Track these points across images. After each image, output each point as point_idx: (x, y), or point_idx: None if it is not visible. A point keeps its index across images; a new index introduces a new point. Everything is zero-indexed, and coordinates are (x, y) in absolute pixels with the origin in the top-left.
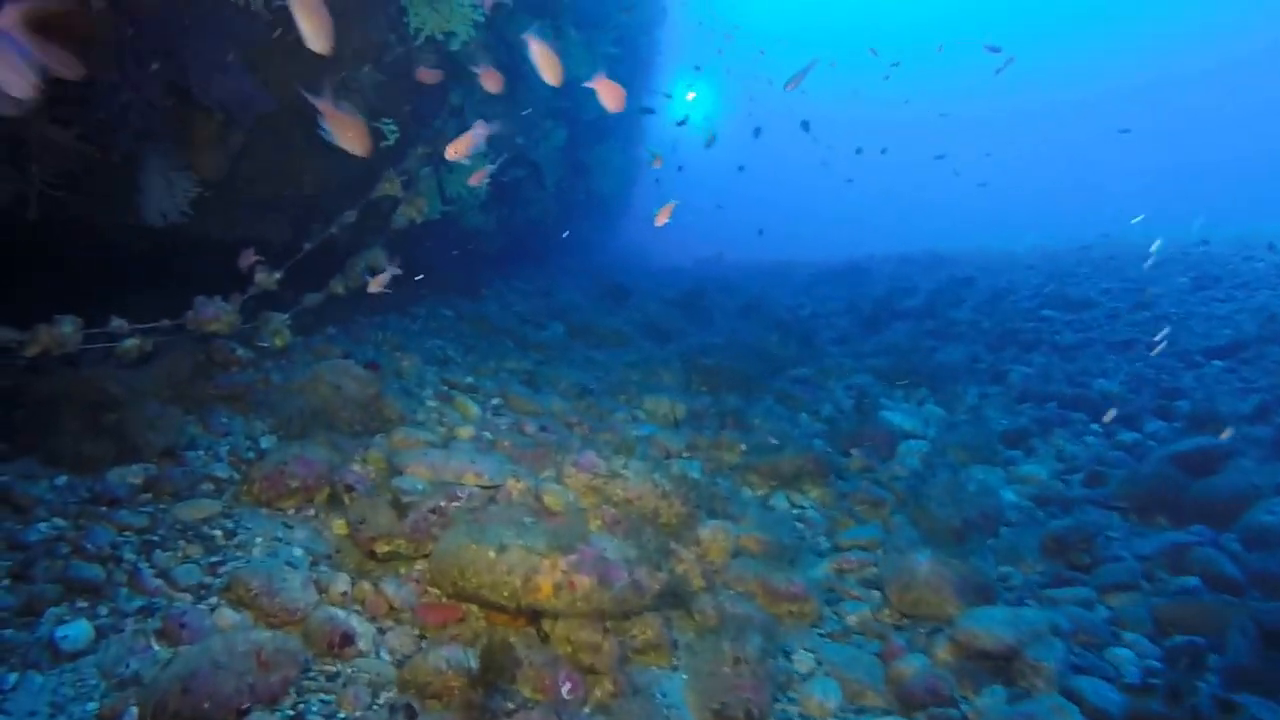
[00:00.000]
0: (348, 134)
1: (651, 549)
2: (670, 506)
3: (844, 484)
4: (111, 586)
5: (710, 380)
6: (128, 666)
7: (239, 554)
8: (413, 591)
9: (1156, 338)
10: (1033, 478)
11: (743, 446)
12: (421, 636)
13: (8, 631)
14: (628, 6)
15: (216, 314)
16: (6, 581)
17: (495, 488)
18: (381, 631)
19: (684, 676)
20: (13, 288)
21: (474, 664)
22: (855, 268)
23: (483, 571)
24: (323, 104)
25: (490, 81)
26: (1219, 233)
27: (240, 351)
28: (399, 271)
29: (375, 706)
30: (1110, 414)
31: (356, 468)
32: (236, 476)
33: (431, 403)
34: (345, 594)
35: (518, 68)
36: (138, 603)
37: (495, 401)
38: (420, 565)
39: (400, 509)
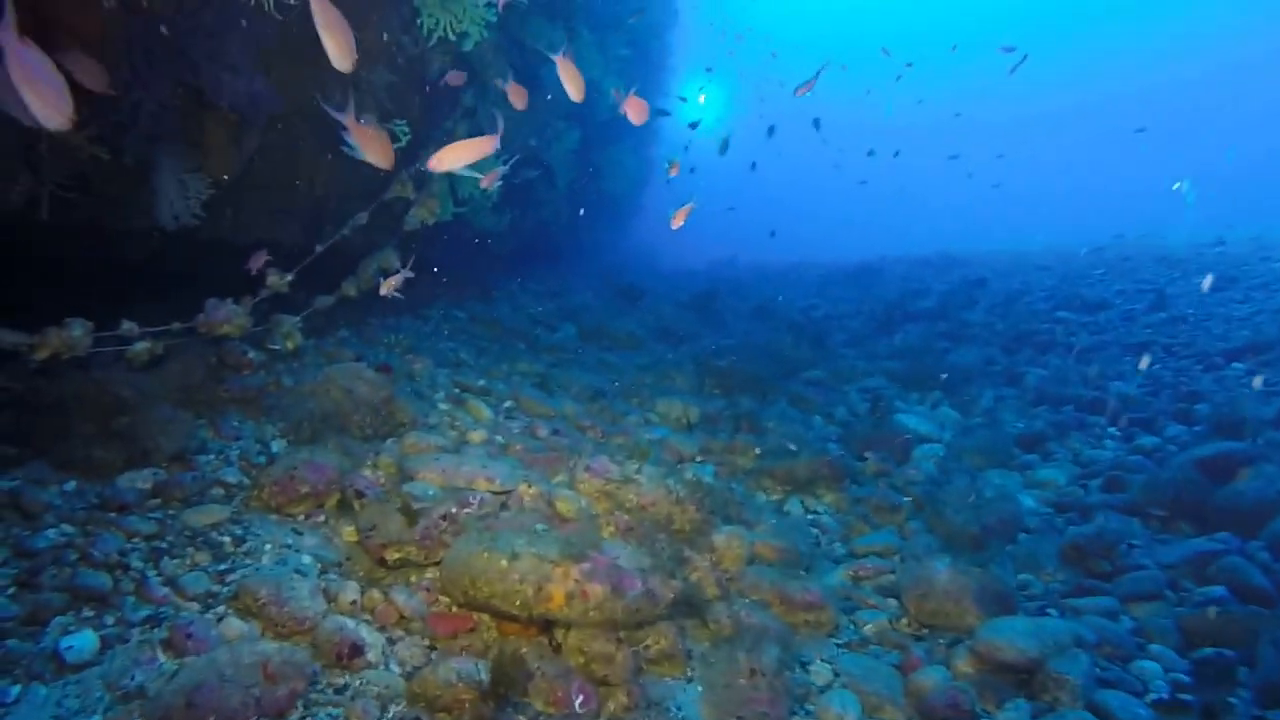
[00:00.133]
0: (372, 147)
1: (665, 557)
2: (684, 512)
3: (859, 489)
4: (118, 595)
5: (723, 383)
6: (133, 678)
7: (248, 561)
8: (423, 600)
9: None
10: (1050, 483)
11: (757, 450)
12: (431, 647)
13: (12, 641)
14: (639, 9)
15: (228, 316)
16: (12, 589)
17: (507, 493)
18: (391, 642)
19: (699, 688)
20: (24, 291)
21: (485, 676)
22: (867, 269)
23: (494, 580)
24: (346, 119)
25: (516, 97)
26: (1234, 234)
27: (252, 354)
28: (411, 275)
29: None
30: (1123, 419)
31: (367, 473)
32: (247, 481)
33: (443, 406)
34: (355, 603)
35: (531, 69)
36: (144, 612)
37: (507, 404)
38: (431, 573)
39: (411, 515)
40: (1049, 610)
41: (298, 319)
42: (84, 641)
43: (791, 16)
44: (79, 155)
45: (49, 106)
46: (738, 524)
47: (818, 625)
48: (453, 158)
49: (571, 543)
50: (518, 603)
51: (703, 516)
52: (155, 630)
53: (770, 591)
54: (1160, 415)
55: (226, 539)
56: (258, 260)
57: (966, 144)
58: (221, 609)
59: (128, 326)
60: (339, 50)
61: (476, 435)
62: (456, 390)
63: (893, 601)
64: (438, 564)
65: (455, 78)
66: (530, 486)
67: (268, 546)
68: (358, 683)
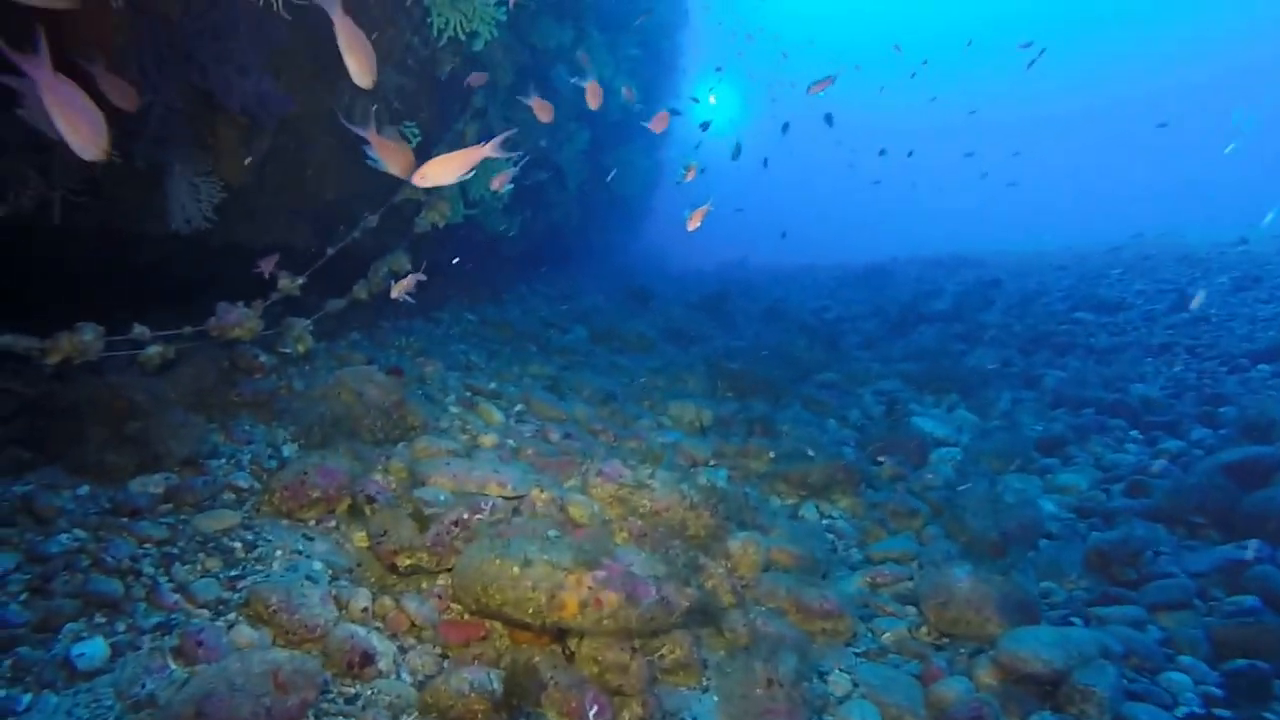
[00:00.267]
0: (394, 158)
1: (680, 564)
2: (698, 518)
3: (875, 493)
4: (129, 601)
5: (736, 385)
6: (143, 687)
7: (258, 568)
8: (434, 608)
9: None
10: (1072, 487)
11: (771, 454)
12: (443, 655)
13: (23, 649)
14: (647, 9)
15: (239, 320)
16: (25, 595)
17: (519, 498)
18: (402, 650)
19: (715, 698)
20: (36, 296)
21: (497, 686)
22: (879, 270)
23: (506, 588)
24: (368, 132)
25: (541, 111)
26: (1255, 232)
27: (263, 358)
28: (424, 277)
29: None
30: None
31: (378, 477)
32: (258, 486)
33: (454, 409)
34: (366, 610)
35: (541, 69)
36: (155, 619)
37: (519, 408)
38: (442, 580)
39: (422, 521)
40: (1073, 619)
41: (309, 322)
42: (95, 649)
43: (802, 16)
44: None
45: (85, 139)
46: (753, 529)
47: (835, 634)
48: (437, 172)
49: (585, 549)
50: (530, 611)
51: (717, 522)
52: (166, 638)
53: (787, 599)
54: (1184, 418)
55: (237, 544)
56: (269, 263)
57: (981, 143)
58: (232, 616)
59: (139, 330)
60: (361, 69)
61: (488, 439)
62: (468, 393)
63: (911, 609)
64: (449, 570)
65: (477, 78)
66: (542, 491)
67: (278, 552)
68: (369, 692)
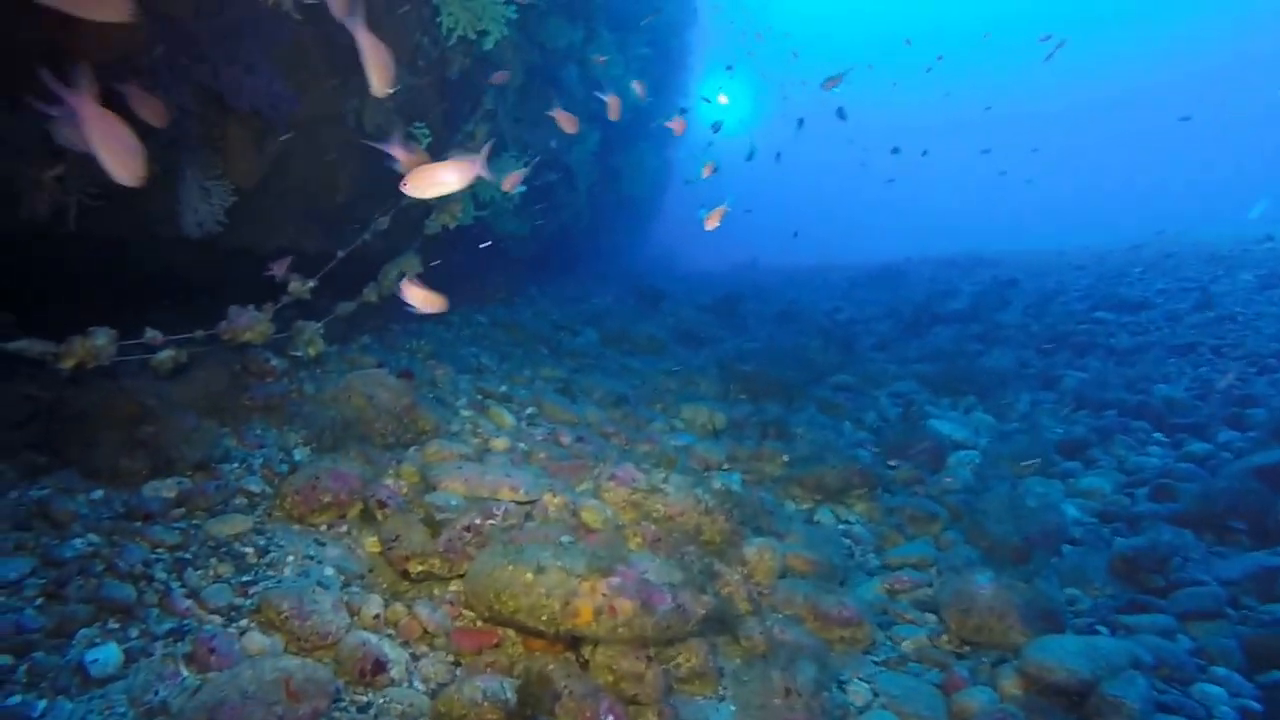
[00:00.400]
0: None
1: (695, 570)
2: (713, 523)
3: (892, 497)
4: (142, 607)
5: (749, 388)
6: (156, 694)
7: (270, 573)
8: (447, 614)
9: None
10: (1095, 491)
11: (785, 458)
12: (456, 663)
13: (38, 654)
14: (656, 8)
15: (250, 323)
16: (40, 600)
17: (531, 503)
18: (415, 658)
19: (732, 708)
20: (50, 300)
21: (511, 695)
22: (893, 271)
23: (519, 595)
24: (394, 149)
25: (566, 122)
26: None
27: (275, 361)
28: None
29: None
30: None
31: (389, 482)
32: (269, 490)
33: (466, 412)
34: (378, 617)
35: (550, 69)
36: (168, 625)
37: (530, 411)
38: (455, 586)
39: (434, 526)
40: (1098, 628)
41: (319, 325)
42: (108, 655)
43: (812, 13)
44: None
45: (123, 167)
46: (768, 535)
47: (854, 642)
48: (427, 182)
49: (599, 555)
50: (544, 618)
51: (732, 527)
52: (179, 644)
53: (804, 606)
54: (1211, 420)
55: (249, 550)
56: (281, 266)
57: (997, 139)
58: (244, 622)
59: (152, 334)
60: (380, 79)
61: (499, 443)
62: (479, 396)
63: (931, 617)
64: (461, 576)
65: (500, 77)
66: (555, 496)
67: (290, 558)
68: (381, 700)
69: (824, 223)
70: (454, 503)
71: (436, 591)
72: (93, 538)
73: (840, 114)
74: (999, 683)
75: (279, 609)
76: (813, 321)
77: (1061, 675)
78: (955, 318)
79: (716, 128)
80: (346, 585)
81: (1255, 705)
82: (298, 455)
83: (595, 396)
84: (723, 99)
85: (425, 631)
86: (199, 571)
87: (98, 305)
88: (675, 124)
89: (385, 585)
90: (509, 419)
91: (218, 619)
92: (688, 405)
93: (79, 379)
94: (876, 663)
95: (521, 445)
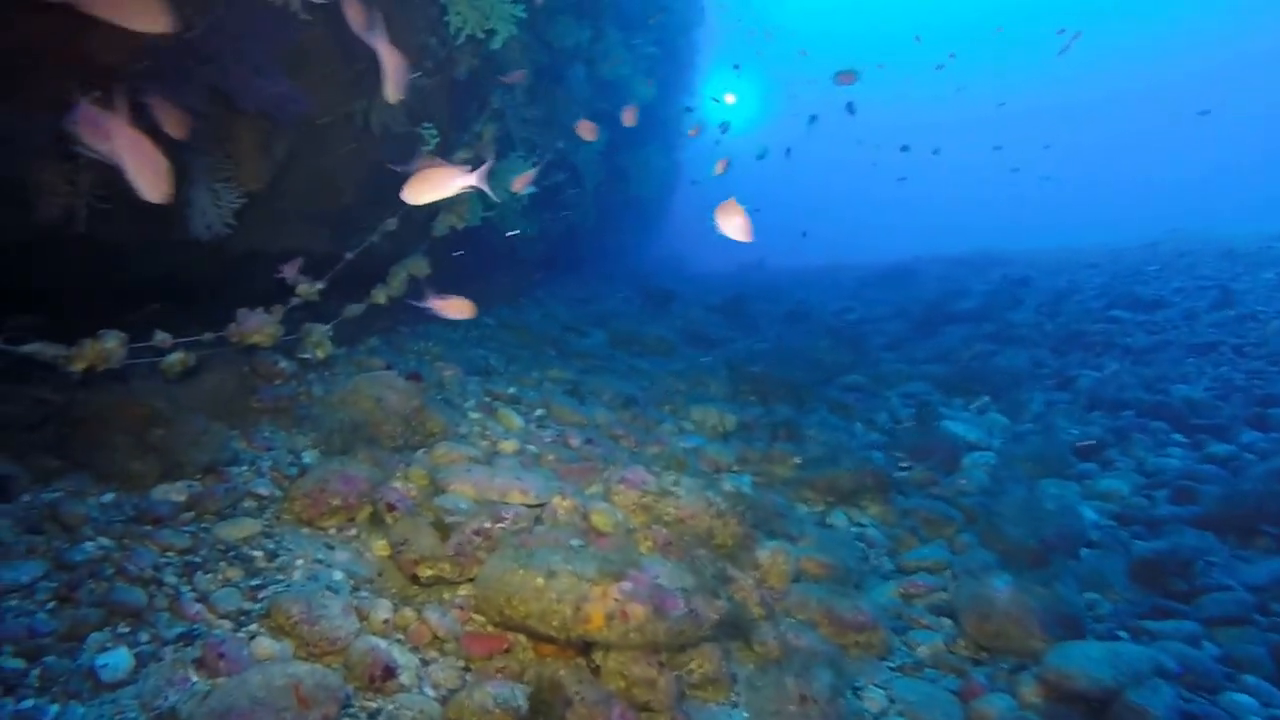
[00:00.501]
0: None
1: (708, 574)
2: (725, 526)
3: (905, 500)
4: (152, 611)
5: (759, 389)
6: (166, 699)
7: (280, 577)
8: (457, 619)
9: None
10: (1113, 493)
11: (796, 460)
12: (466, 668)
13: (50, 658)
14: (663, 7)
15: (259, 325)
16: (52, 604)
17: (540, 506)
18: (425, 663)
19: (745, 715)
20: (60, 304)
21: (523, 702)
22: (902, 270)
23: (530, 600)
24: (421, 165)
25: (587, 132)
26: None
27: (283, 364)
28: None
29: None
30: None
31: (398, 485)
32: (278, 493)
33: (474, 415)
34: (387, 621)
35: (557, 68)
36: (178, 629)
37: (539, 413)
38: (465, 590)
39: (443, 530)
40: (1120, 633)
41: (328, 327)
42: (119, 659)
43: (819, 10)
44: (115, 165)
45: (151, 185)
46: (781, 538)
47: (869, 647)
48: (420, 190)
49: (610, 560)
50: (555, 624)
51: (745, 530)
52: (188, 649)
53: (818, 611)
54: (1233, 421)
55: (258, 553)
56: (292, 268)
57: (1009, 135)
58: (253, 627)
59: (161, 337)
60: (395, 88)
61: (508, 445)
62: (487, 398)
63: (947, 621)
64: (471, 580)
65: (516, 77)
66: (564, 499)
67: (299, 561)
68: (391, 707)
69: (833, 222)
70: (463, 506)
71: (446, 596)
72: (104, 541)
73: (849, 109)
74: (1018, 690)
75: (288, 613)
76: (822, 322)
77: (1083, 682)
78: (967, 317)
79: (724, 128)
80: (356, 589)
81: None
82: (306, 458)
83: (604, 398)
84: (730, 98)
85: (435, 636)
86: (208, 575)
87: (107, 308)
88: (693, 131)
89: (394, 589)
90: (517, 421)
91: (227, 623)
92: (697, 407)
93: (89, 382)
94: (892, 669)
95: (530, 447)
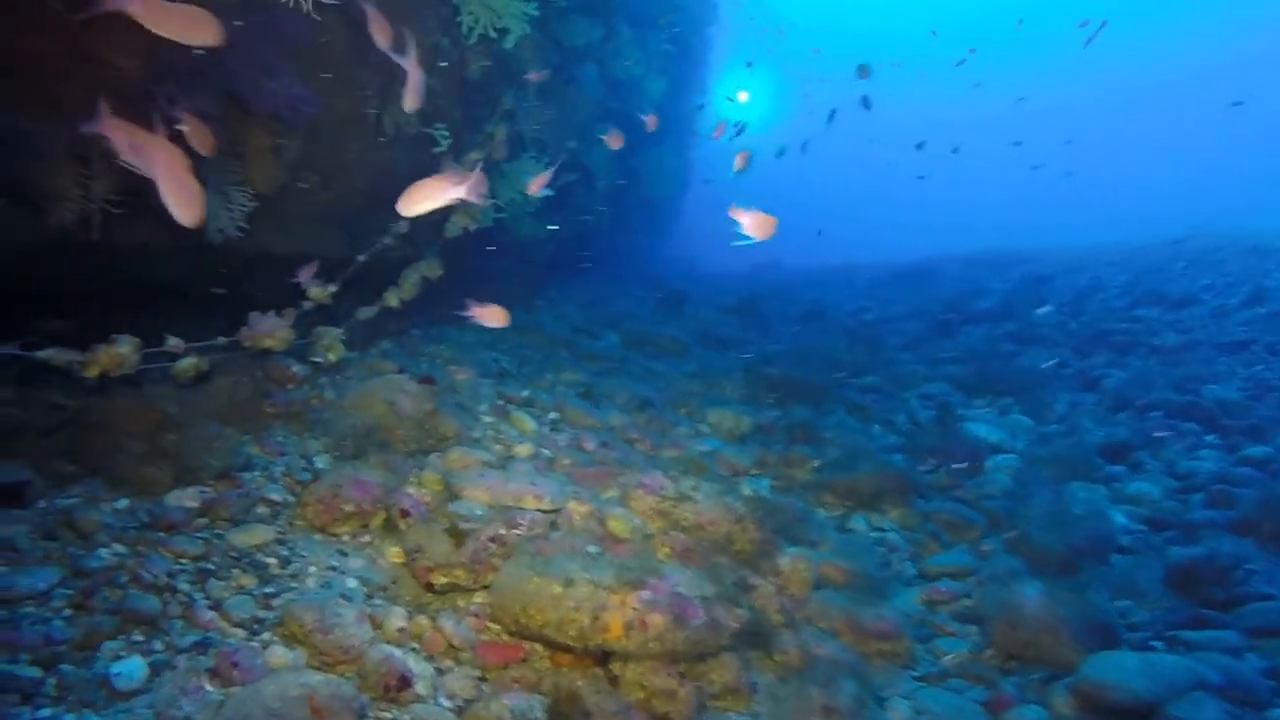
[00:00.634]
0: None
1: (728, 582)
2: (744, 532)
3: (927, 503)
4: (166, 619)
5: (775, 391)
6: (180, 709)
7: (293, 584)
8: (472, 628)
9: None
10: (1143, 497)
11: (815, 463)
12: (482, 678)
13: (66, 666)
14: (676, 4)
15: (271, 330)
16: (68, 612)
17: (556, 512)
18: (440, 672)
19: None
20: (73, 309)
21: (540, 714)
22: (919, 269)
23: (547, 608)
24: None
25: (614, 140)
26: None
27: (296, 368)
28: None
29: None
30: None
31: (412, 490)
32: (291, 499)
33: (488, 418)
34: (402, 630)
35: (569, 68)
36: (191, 637)
37: (553, 416)
38: (479, 598)
39: (458, 536)
40: (1154, 644)
41: (340, 331)
42: (133, 668)
43: (833, 7)
44: (129, 170)
45: (185, 208)
46: (802, 544)
47: (892, 656)
48: (414, 201)
49: (628, 568)
50: (572, 633)
51: (764, 536)
52: (202, 657)
53: (840, 618)
54: (1269, 422)
55: (272, 560)
56: (307, 273)
57: (1029, 132)
58: (267, 635)
59: (174, 342)
60: (414, 101)
61: (522, 449)
62: (500, 402)
63: (973, 629)
64: (486, 588)
65: (538, 76)
66: (580, 504)
67: (312, 569)
68: (406, 717)
69: (848, 221)
70: (478, 512)
71: (461, 603)
72: (118, 548)
73: (865, 103)
74: (1050, 702)
75: (302, 622)
76: (838, 322)
77: (1121, 695)
78: (987, 317)
79: (740, 129)
80: (369, 597)
81: None
82: (319, 463)
83: (618, 401)
84: (743, 96)
85: (450, 645)
86: (222, 582)
87: (119, 312)
88: (718, 132)
89: (409, 597)
90: (531, 424)
91: (240, 632)
92: (713, 409)
93: (104, 387)
94: (917, 678)
95: (545, 451)
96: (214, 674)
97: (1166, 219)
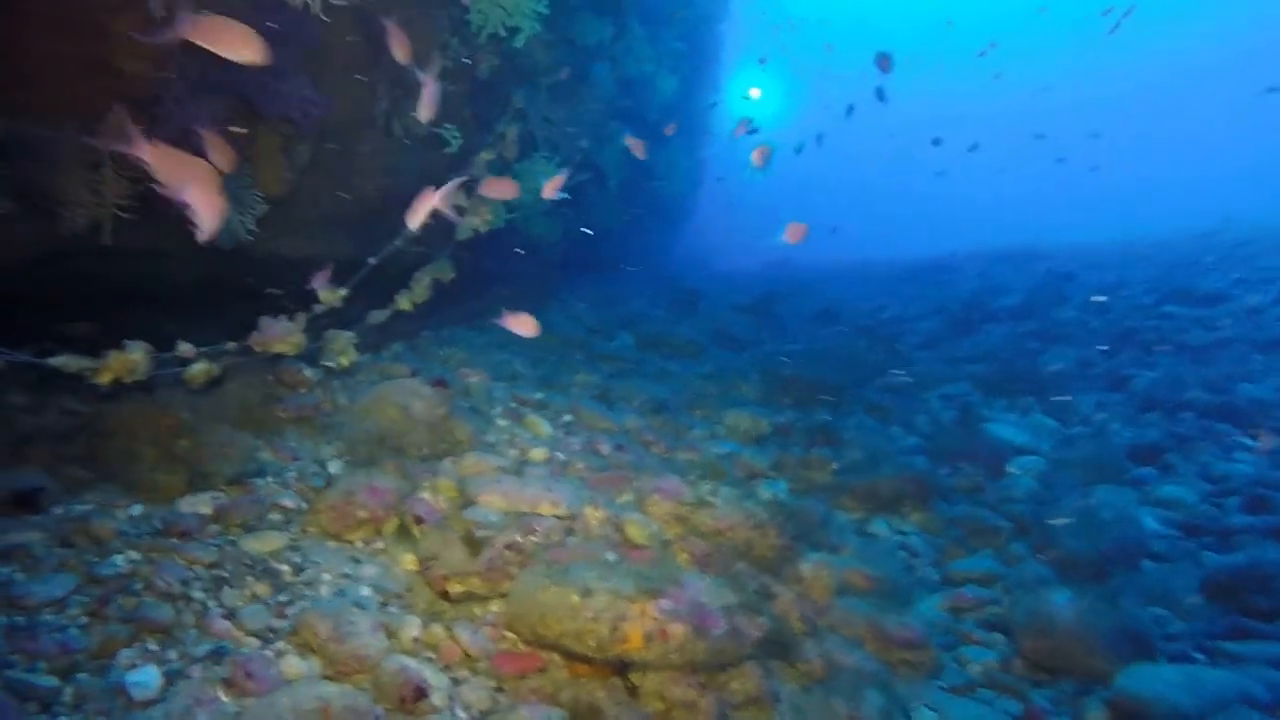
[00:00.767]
0: (503, 189)
1: (750, 590)
2: (764, 538)
3: (950, 507)
4: (180, 628)
5: (793, 391)
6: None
7: (306, 592)
8: (488, 637)
9: None
10: (1176, 501)
11: (834, 465)
12: (499, 688)
13: (82, 676)
14: (687, 2)
15: (282, 334)
16: (84, 620)
17: (572, 517)
18: (456, 683)
19: None
20: (86, 315)
21: None
22: (938, 266)
23: (565, 618)
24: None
25: (636, 148)
26: None
27: (307, 372)
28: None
29: None
30: (1266, 441)
31: (426, 496)
32: (304, 505)
33: (502, 422)
34: (417, 639)
35: (581, 66)
36: (206, 646)
37: (567, 418)
38: (496, 606)
39: (473, 544)
40: (1194, 655)
41: (352, 334)
42: (148, 678)
43: (844, 4)
44: (141, 174)
45: (208, 220)
46: (823, 549)
47: (918, 665)
48: (414, 211)
49: (648, 576)
50: (591, 644)
51: (785, 542)
52: (217, 667)
53: (864, 626)
54: None
55: (285, 568)
56: (322, 279)
57: (1052, 125)
58: (281, 645)
59: (185, 347)
60: (429, 112)
61: (537, 453)
62: (514, 405)
63: (1000, 637)
64: (503, 596)
65: (563, 75)
66: (596, 509)
67: (326, 576)
68: None
69: (865, 218)
70: (493, 518)
71: (477, 612)
72: (132, 555)
73: (880, 95)
74: (1084, 715)
75: (316, 631)
76: (855, 321)
77: (1160, 709)
78: (1008, 314)
79: (754, 130)
80: (384, 605)
81: None
82: (332, 468)
83: (633, 403)
84: (755, 93)
85: (466, 655)
86: (235, 590)
87: (130, 317)
88: (739, 130)
89: (423, 606)
90: (546, 428)
91: (255, 641)
92: (730, 411)
93: (116, 393)
94: (943, 688)
95: (560, 455)
96: (229, 684)
97: (1194, 212)
